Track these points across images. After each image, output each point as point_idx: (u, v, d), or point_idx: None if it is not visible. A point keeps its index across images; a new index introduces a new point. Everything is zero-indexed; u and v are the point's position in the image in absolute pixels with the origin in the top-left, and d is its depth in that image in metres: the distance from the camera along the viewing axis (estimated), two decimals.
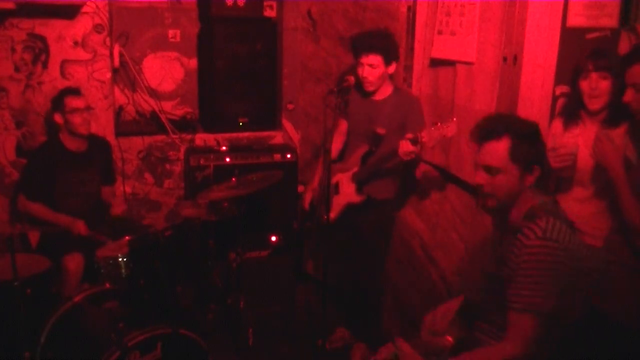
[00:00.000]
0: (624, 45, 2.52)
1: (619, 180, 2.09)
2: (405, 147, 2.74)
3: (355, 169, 3.15)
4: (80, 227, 3.29)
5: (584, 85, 2.30)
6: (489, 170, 1.92)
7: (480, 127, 1.96)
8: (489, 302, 2.01)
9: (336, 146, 3.35)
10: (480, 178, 1.95)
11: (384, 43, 3.07)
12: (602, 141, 2.15)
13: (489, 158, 1.91)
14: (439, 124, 2.67)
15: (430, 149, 3.10)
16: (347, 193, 3.17)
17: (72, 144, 3.46)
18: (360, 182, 3.15)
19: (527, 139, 1.90)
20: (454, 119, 2.67)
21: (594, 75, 2.27)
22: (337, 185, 3.20)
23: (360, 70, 3.10)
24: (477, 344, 2.02)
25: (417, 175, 3.39)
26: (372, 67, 3.06)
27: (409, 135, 2.76)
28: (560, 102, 2.65)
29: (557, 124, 2.48)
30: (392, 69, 3.11)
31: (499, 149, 1.89)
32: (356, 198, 3.15)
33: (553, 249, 1.79)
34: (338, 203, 3.17)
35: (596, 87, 2.27)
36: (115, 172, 3.89)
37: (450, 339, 2.12)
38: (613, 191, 2.14)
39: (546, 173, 1.96)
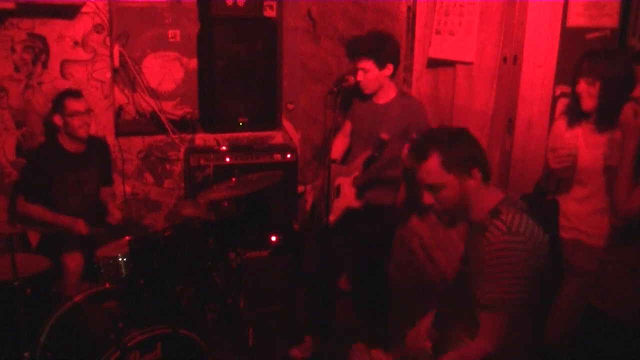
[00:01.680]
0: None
1: (626, 159, 2.07)
2: None
3: (357, 174, 3.14)
4: (80, 226, 3.29)
5: (577, 87, 2.32)
6: (431, 188, 1.98)
7: (412, 151, 2.04)
8: (460, 300, 2.05)
9: (340, 147, 3.34)
10: (428, 198, 2.01)
11: (373, 46, 3.04)
12: (629, 109, 2.12)
13: (426, 178, 1.97)
14: None
15: None
16: (347, 197, 3.16)
17: (70, 145, 3.46)
18: (360, 188, 3.14)
19: (455, 147, 1.95)
20: None
21: (584, 77, 2.28)
22: (338, 188, 3.18)
23: (356, 75, 3.09)
24: (453, 342, 2.07)
25: None
26: (364, 71, 3.04)
27: None
28: (562, 102, 2.65)
29: (561, 123, 2.48)
30: (388, 71, 3.06)
31: (432, 167, 1.95)
32: (355, 203, 3.13)
33: (517, 243, 1.83)
34: (338, 206, 3.15)
35: (587, 89, 2.28)
36: (112, 173, 3.88)
37: (429, 343, 2.16)
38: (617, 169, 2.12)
39: (488, 172, 1.99)
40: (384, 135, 2.99)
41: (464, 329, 2.03)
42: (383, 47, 3.05)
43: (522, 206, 1.98)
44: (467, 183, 1.95)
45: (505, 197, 1.98)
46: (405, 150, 2.77)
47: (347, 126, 3.34)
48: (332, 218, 3.13)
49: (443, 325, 2.15)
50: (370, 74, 3.04)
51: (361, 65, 3.04)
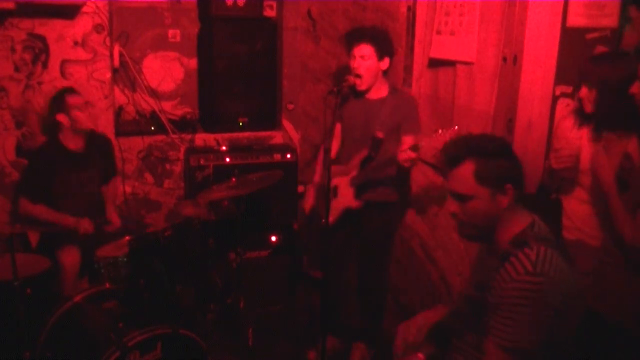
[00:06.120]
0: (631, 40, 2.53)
1: (611, 193, 2.11)
2: (406, 155, 2.77)
3: (354, 173, 3.12)
4: (86, 225, 3.29)
5: (580, 92, 2.32)
6: (459, 197, 1.84)
7: (443, 154, 1.88)
8: (467, 323, 1.95)
9: (334, 147, 3.33)
10: (453, 207, 1.87)
11: (375, 34, 3.04)
12: (597, 154, 2.17)
13: (456, 185, 1.83)
14: (440, 131, 2.63)
15: (430, 156, 3.09)
16: (345, 197, 3.14)
17: (71, 144, 3.46)
18: (358, 187, 3.12)
19: (493, 158, 1.80)
20: (456, 127, 2.63)
21: (585, 82, 2.29)
22: (335, 189, 3.17)
23: (352, 63, 3.05)
24: None
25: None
26: (363, 58, 3.01)
27: (409, 143, 2.78)
28: (562, 102, 2.65)
29: (566, 123, 2.47)
30: (384, 64, 3.05)
31: (464, 175, 1.80)
32: (354, 203, 3.12)
33: (542, 285, 1.69)
34: (336, 207, 3.14)
35: (587, 94, 2.29)
36: (115, 166, 3.87)
37: (421, 356, 2.07)
38: (606, 203, 2.15)
39: (522, 190, 1.86)
40: (379, 134, 2.98)
41: (464, 351, 1.95)
42: (385, 38, 3.06)
43: (548, 235, 1.83)
44: (498, 199, 1.80)
45: (531, 222, 1.83)
46: (401, 152, 2.79)
47: (337, 126, 3.31)
48: (330, 219, 3.12)
49: (441, 341, 2.06)
50: (368, 62, 3.01)
51: (361, 52, 3.01)
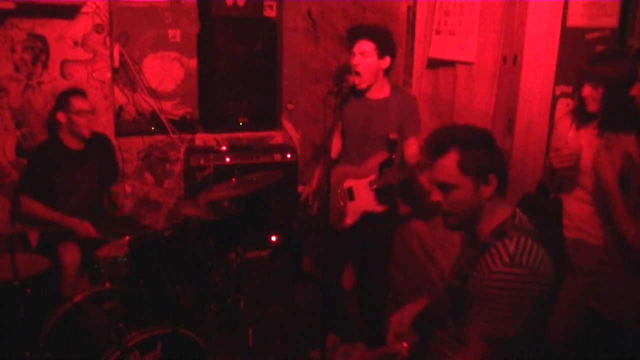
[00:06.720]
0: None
1: (613, 193, 2.10)
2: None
3: (373, 177, 3.07)
4: (87, 229, 3.29)
5: (582, 91, 2.32)
6: (443, 187, 1.86)
7: (427, 144, 1.90)
8: (449, 314, 1.96)
9: (336, 147, 3.32)
10: (436, 196, 1.89)
11: (377, 31, 3.01)
12: (599, 153, 2.16)
13: (439, 175, 1.85)
14: None
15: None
16: (365, 201, 3.09)
17: (71, 142, 3.46)
18: (378, 191, 3.07)
19: (477, 148, 1.82)
20: None
21: (589, 81, 2.28)
22: (351, 191, 3.13)
23: (352, 60, 3.01)
24: (435, 354, 1.99)
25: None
26: (363, 55, 2.96)
27: (414, 146, 2.97)
28: (562, 102, 2.65)
29: (564, 122, 2.47)
30: (385, 63, 3.01)
31: (448, 164, 1.82)
32: (378, 207, 3.07)
33: (519, 276, 1.71)
34: (354, 210, 3.11)
35: (591, 93, 2.28)
36: (118, 168, 3.88)
37: (405, 345, 2.09)
38: (608, 203, 2.15)
39: (505, 182, 1.89)
40: (392, 135, 2.96)
41: (447, 342, 1.95)
42: (386, 37, 3.03)
43: (528, 226, 1.85)
44: (481, 189, 1.82)
45: (512, 214, 1.85)
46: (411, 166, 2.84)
47: (340, 125, 3.30)
48: (349, 221, 3.10)
49: (424, 331, 2.07)
50: (368, 59, 2.97)
51: (361, 48, 2.97)
